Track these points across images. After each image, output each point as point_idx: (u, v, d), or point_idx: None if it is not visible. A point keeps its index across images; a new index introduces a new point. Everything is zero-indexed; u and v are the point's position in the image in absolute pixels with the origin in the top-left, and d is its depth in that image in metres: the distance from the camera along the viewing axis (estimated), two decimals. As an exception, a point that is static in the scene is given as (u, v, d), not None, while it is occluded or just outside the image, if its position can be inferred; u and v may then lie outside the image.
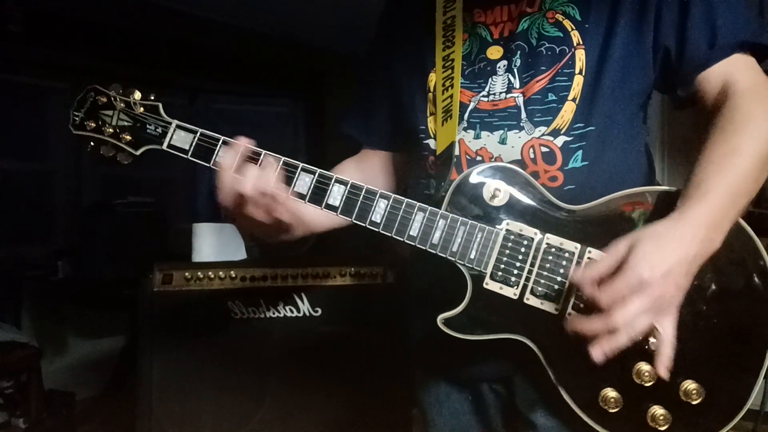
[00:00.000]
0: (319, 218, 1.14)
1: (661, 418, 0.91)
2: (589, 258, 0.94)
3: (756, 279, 0.93)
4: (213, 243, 2.19)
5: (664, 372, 0.86)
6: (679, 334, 0.91)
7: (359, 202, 1.00)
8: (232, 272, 2.02)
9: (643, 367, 0.92)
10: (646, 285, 0.82)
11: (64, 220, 3.93)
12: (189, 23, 3.92)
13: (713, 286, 0.93)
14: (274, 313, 2.05)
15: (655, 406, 0.92)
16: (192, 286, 1.98)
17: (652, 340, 0.90)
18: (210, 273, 2.00)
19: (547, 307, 0.94)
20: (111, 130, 1.08)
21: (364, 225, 1.01)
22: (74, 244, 3.70)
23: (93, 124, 1.08)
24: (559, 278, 0.94)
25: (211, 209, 4.29)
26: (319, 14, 3.89)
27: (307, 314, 2.07)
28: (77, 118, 1.09)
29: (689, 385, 0.91)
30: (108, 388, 3.50)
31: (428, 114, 1.12)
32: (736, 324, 0.93)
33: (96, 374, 3.60)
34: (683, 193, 0.91)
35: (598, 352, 0.83)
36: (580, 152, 1.00)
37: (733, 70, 0.97)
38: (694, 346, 0.92)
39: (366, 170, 1.31)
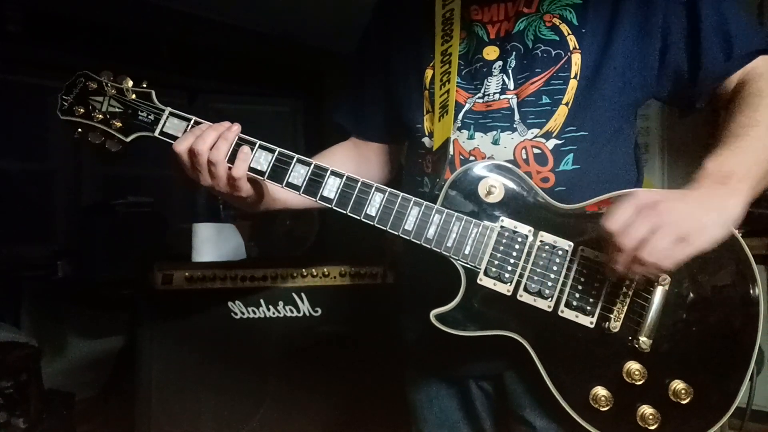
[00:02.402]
0: (288, 196, 1.11)
1: (651, 417, 0.92)
2: (582, 256, 0.95)
3: (742, 280, 0.95)
4: (213, 243, 2.19)
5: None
6: (667, 335, 0.93)
7: (354, 195, 1.00)
8: (232, 272, 2.02)
9: (633, 365, 0.93)
10: (660, 215, 0.83)
11: (64, 220, 3.93)
12: (189, 23, 3.91)
13: (701, 288, 0.94)
14: (274, 313, 2.05)
15: (644, 406, 0.93)
16: (192, 286, 1.98)
17: (642, 339, 0.91)
18: (210, 273, 2.00)
19: (540, 303, 0.95)
20: (101, 116, 1.07)
21: (358, 218, 1.01)
22: (74, 244, 3.70)
23: (82, 110, 1.07)
24: (552, 275, 0.95)
25: (211, 209, 4.28)
26: (319, 14, 3.88)
27: (307, 314, 2.07)
28: (66, 103, 1.08)
29: (678, 385, 0.92)
30: (108, 388, 3.49)
31: (425, 112, 1.12)
32: (724, 324, 0.94)
33: (96, 374, 3.59)
34: (703, 170, 0.90)
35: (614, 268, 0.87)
36: (571, 155, 1.01)
37: (749, 70, 0.98)
38: (682, 347, 0.93)
39: (360, 160, 1.31)
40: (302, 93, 4.84)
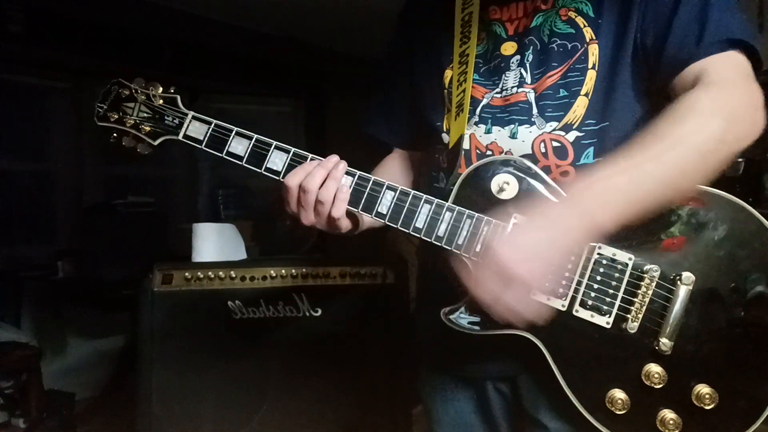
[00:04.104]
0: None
1: (671, 422, 0.89)
2: (599, 254, 0.92)
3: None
4: (213, 243, 2.18)
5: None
6: (691, 336, 0.90)
7: (366, 194, 1.02)
8: (232, 272, 2.01)
9: (653, 368, 0.90)
10: (502, 273, 0.84)
11: (65, 220, 3.92)
12: (189, 23, 3.91)
13: (731, 289, 0.91)
14: (274, 313, 2.04)
15: (665, 410, 0.90)
16: (192, 286, 1.98)
17: (662, 340, 0.89)
18: (210, 273, 1.99)
19: (554, 303, 0.93)
20: (132, 121, 1.12)
21: (370, 216, 1.02)
22: (75, 244, 3.70)
23: (115, 116, 1.13)
24: (567, 274, 0.93)
25: (211, 209, 4.29)
26: (320, 14, 3.88)
27: (307, 314, 2.07)
28: (101, 110, 1.13)
29: (702, 389, 0.89)
30: (108, 388, 3.49)
31: (445, 111, 1.13)
32: (754, 326, 0.90)
33: (96, 374, 3.59)
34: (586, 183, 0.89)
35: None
36: (591, 149, 0.99)
37: (708, 65, 0.93)
38: (707, 350, 0.90)
39: (386, 167, 1.32)
40: (303, 93, 4.84)
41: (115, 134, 1.13)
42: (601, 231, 0.86)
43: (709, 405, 0.88)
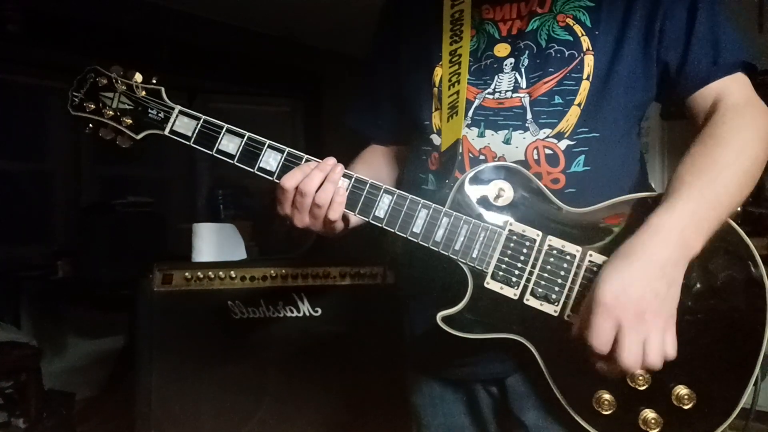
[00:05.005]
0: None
1: (653, 421, 0.92)
2: (590, 261, 0.94)
3: (747, 281, 0.94)
4: (213, 243, 2.18)
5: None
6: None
7: (363, 197, 1.00)
8: (232, 272, 2.01)
9: (638, 371, 0.91)
10: (621, 315, 0.82)
11: (64, 220, 3.92)
12: (189, 23, 3.92)
13: (704, 290, 0.93)
14: (274, 313, 2.04)
15: (647, 410, 0.93)
16: (192, 286, 1.98)
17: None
18: (210, 273, 2.00)
19: (547, 308, 0.94)
20: (111, 112, 1.06)
21: (367, 220, 1.01)
22: (74, 244, 3.69)
23: (93, 106, 1.06)
24: (559, 280, 0.94)
25: (211, 209, 4.29)
26: (319, 14, 3.89)
27: (307, 314, 2.07)
28: (76, 99, 1.07)
29: (681, 390, 0.92)
30: (107, 388, 3.49)
31: (433, 109, 1.11)
32: (728, 328, 0.93)
33: (95, 374, 3.60)
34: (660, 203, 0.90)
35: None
36: (582, 157, 1.00)
37: (726, 87, 0.98)
38: (687, 353, 0.92)
39: (373, 164, 1.30)
40: (302, 93, 4.85)
41: (90, 125, 1.06)
42: (693, 256, 0.88)
43: (687, 405, 0.91)
